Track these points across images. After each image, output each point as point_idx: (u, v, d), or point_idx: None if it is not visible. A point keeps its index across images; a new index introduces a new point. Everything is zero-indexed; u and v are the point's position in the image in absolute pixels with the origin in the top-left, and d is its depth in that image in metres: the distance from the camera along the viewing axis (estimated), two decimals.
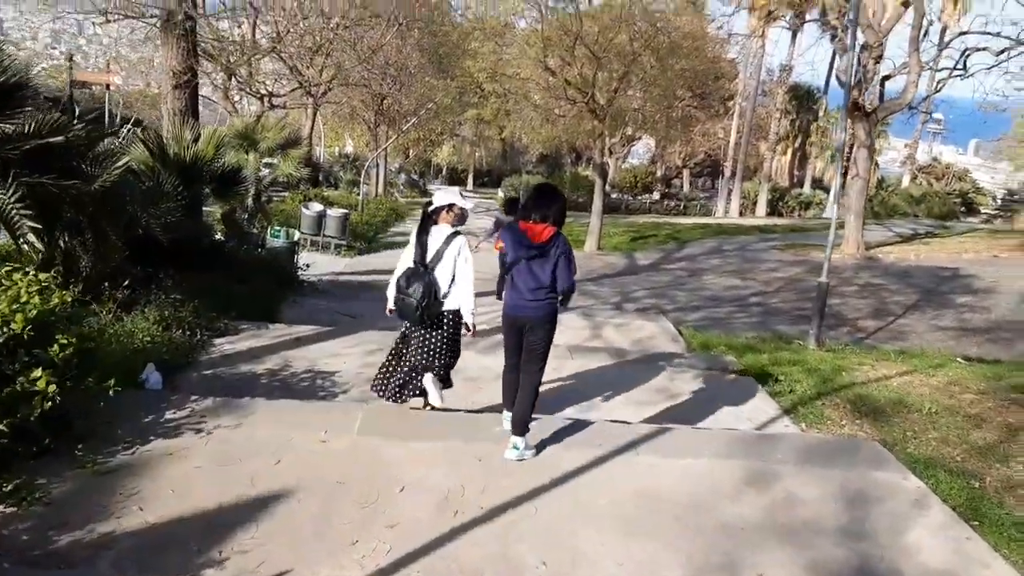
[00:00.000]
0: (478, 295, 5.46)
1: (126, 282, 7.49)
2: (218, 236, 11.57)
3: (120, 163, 7.59)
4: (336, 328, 8.67)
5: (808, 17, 38.14)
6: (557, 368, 7.36)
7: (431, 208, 5.38)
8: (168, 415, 5.25)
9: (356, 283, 14.24)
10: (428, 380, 5.42)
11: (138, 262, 8.12)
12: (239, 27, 22.99)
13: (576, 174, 47.40)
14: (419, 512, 4.27)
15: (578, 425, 5.65)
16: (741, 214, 42.48)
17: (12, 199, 5.98)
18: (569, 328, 9.78)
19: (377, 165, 33.56)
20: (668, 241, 24.16)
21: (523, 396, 5.07)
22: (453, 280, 5.32)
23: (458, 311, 5.39)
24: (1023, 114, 39.00)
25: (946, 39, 27.85)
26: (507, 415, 5.39)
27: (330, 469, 4.66)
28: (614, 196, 41.63)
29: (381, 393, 5.60)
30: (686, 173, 56.25)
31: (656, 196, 50.45)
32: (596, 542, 4.11)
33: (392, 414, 5.63)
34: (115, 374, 4.95)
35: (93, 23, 22.01)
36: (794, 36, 45.77)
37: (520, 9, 22.89)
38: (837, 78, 22.00)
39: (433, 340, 5.39)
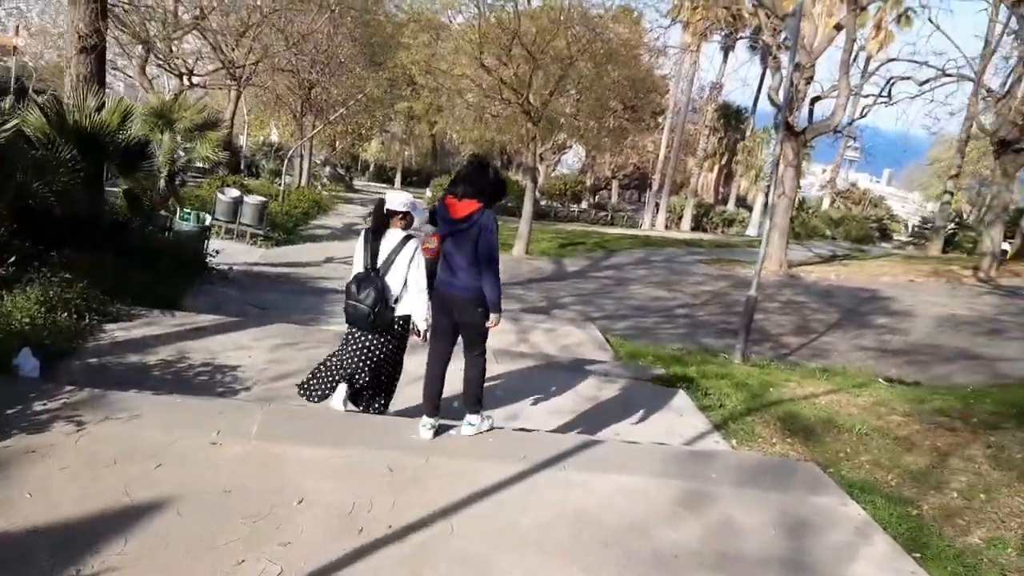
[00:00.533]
0: None
1: (12, 258, 6.75)
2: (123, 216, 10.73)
3: (8, 125, 6.85)
4: (243, 319, 8.04)
5: (740, 36, 38.70)
6: None
7: (386, 211, 5.14)
8: (37, 407, 4.58)
9: (271, 274, 13.52)
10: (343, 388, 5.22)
11: (27, 236, 7.38)
12: None
13: (506, 177, 47.00)
14: (318, 529, 3.74)
15: (501, 435, 5.21)
16: (667, 227, 42.86)
17: None
18: (495, 332, 9.31)
19: (301, 155, 32.48)
20: (596, 249, 24.02)
21: (468, 381, 5.01)
22: (404, 285, 5.13)
23: (408, 317, 5.19)
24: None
25: (872, 66, 28.65)
26: (426, 421, 4.98)
27: (219, 477, 4.08)
28: (543, 203, 41.39)
29: (307, 394, 5.34)
30: (615, 184, 56.58)
31: (584, 205, 50.52)
32: (518, 569, 3.67)
33: (297, 416, 5.08)
34: None
35: None
36: (726, 55, 46.67)
37: (458, 4, 22.38)
38: (769, 97, 22.22)
39: (378, 348, 5.18)
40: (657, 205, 44.40)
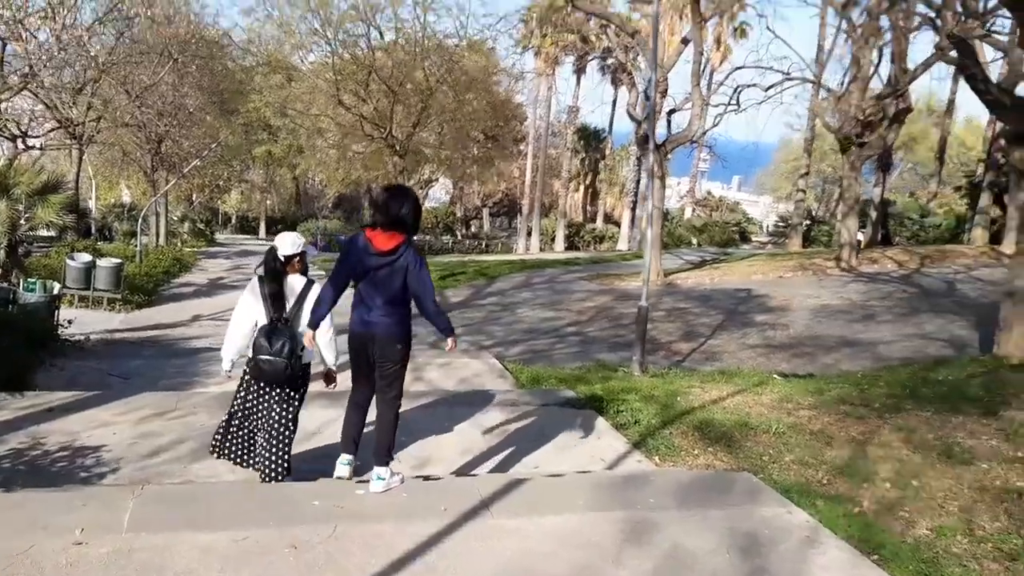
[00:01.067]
0: None
1: None
2: None
3: None
4: (104, 393, 7.16)
5: (591, 56, 39.68)
6: None
7: (284, 257, 4.89)
8: None
9: (134, 340, 12.42)
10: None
11: None
12: None
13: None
14: None
15: (414, 487, 4.70)
16: (541, 250, 43.22)
17: None
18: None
19: (157, 213, 30.72)
20: (477, 277, 23.70)
21: (382, 427, 4.71)
22: None
23: (308, 366, 4.99)
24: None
25: (722, 74, 29.91)
26: (345, 459, 4.66)
27: None
28: (416, 237, 40.93)
29: (219, 453, 5.09)
30: (485, 212, 56.82)
31: (458, 236, 50.41)
32: None
33: (175, 498, 4.40)
34: None
35: None
36: (579, 78, 47.77)
37: (308, 44, 21.78)
38: (628, 113, 22.70)
39: (292, 400, 4.96)
40: (529, 229, 44.72)
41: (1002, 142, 24.46)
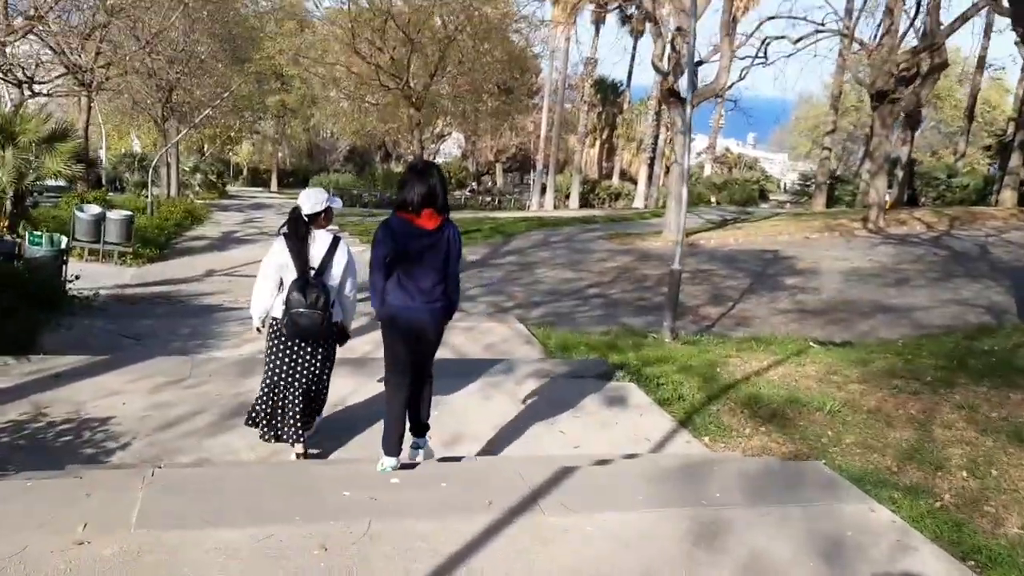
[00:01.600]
0: None
1: None
2: None
3: None
4: (114, 357, 6.76)
5: (611, 6, 38.53)
6: None
7: (308, 214, 4.83)
8: None
9: (146, 296, 12.03)
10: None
11: None
12: None
13: (388, 170, 45.67)
14: None
15: (452, 473, 4.27)
16: (556, 207, 42.43)
17: None
18: None
19: (168, 164, 30.15)
20: (493, 235, 23.16)
21: (423, 403, 4.69)
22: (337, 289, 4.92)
23: (339, 323, 4.99)
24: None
25: (748, 25, 28.90)
26: (388, 463, 4.32)
27: None
28: None
29: (268, 435, 4.90)
30: (498, 168, 55.94)
31: (468, 192, 49.67)
32: None
33: (192, 484, 3.98)
34: None
35: None
36: (597, 29, 46.55)
37: None
38: (653, 65, 21.88)
39: (326, 361, 5.00)
40: (544, 185, 43.90)
41: None
